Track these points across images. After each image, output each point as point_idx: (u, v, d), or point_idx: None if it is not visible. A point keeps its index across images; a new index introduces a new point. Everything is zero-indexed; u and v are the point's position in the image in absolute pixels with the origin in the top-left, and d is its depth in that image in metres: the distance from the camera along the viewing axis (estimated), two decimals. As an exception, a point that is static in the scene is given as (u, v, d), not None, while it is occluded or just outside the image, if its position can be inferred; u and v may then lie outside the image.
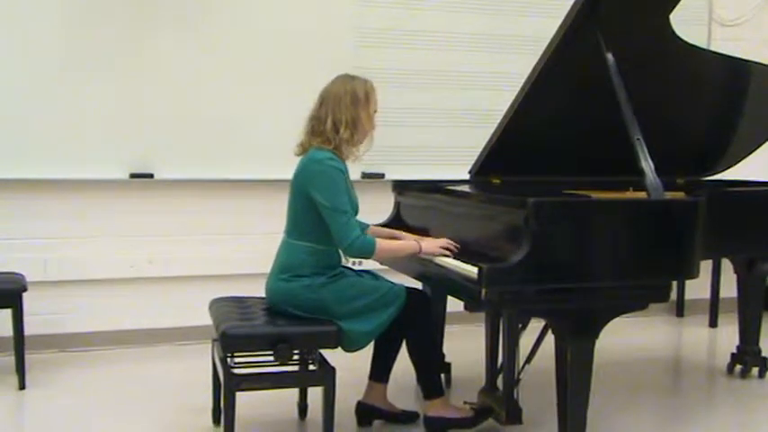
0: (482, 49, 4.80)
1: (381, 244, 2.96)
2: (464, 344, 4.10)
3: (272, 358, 2.87)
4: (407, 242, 3.09)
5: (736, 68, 3.76)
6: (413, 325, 3.05)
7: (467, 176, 3.69)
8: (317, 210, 2.91)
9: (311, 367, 3.05)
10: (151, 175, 4.32)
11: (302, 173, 2.98)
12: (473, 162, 3.64)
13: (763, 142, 4.05)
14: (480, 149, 3.59)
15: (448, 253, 2.95)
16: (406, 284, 3.08)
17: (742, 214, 3.55)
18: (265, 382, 2.92)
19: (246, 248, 4.40)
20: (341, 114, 2.96)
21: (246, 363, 3.03)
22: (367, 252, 2.92)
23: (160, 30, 4.29)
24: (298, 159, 3.05)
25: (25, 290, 3.69)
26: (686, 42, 3.43)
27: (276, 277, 3.01)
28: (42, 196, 4.22)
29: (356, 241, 2.88)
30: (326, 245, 2.96)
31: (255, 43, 4.44)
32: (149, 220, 4.40)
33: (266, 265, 3.10)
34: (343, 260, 3.08)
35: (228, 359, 2.93)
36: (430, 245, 3.00)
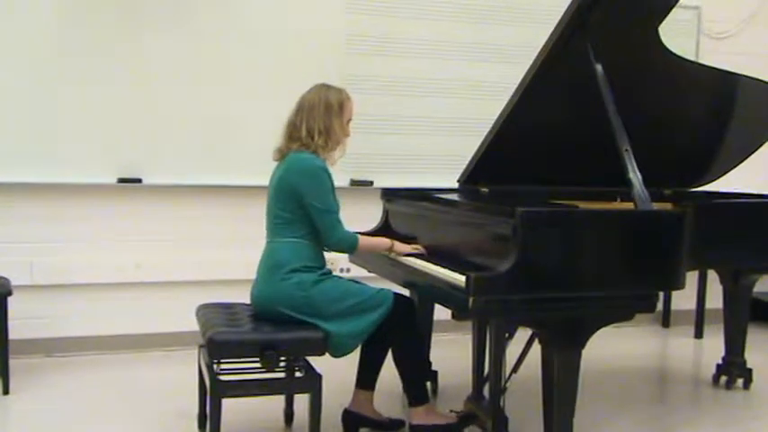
0: (471, 58, 4.81)
1: (362, 240, 3.12)
2: (451, 352, 4.10)
3: (258, 365, 2.86)
4: (382, 239, 3.24)
5: (724, 81, 3.78)
6: (399, 332, 3.06)
7: (455, 185, 3.70)
8: (303, 208, 2.96)
9: (298, 374, 3.05)
10: (139, 180, 4.31)
11: (288, 172, 3.02)
12: (462, 170, 3.65)
13: (750, 154, 4.07)
14: (469, 158, 3.60)
15: (416, 253, 3.13)
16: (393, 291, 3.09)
17: (728, 226, 3.55)
18: (251, 388, 2.90)
19: (234, 254, 4.39)
20: (314, 122, 3.04)
21: (233, 369, 3.01)
22: (352, 244, 3.07)
23: (149, 34, 4.28)
24: (284, 165, 3.07)
25: (10, 294, 3.68)
26: (675, 54, 3.45)
27: (265, 278, 3.02)
28: (29, 200, 4.20)
29: (344, 235, 3.02)
30: (313, 241, 3.01)
31: (245, 49, 4.44)
32: (137, 225, 4.39)
33: (254, 271, 3.09)
34: (330, 267, 3.10)
35: (215, 365, 2.91)
36: (401, 245, 3.20)
